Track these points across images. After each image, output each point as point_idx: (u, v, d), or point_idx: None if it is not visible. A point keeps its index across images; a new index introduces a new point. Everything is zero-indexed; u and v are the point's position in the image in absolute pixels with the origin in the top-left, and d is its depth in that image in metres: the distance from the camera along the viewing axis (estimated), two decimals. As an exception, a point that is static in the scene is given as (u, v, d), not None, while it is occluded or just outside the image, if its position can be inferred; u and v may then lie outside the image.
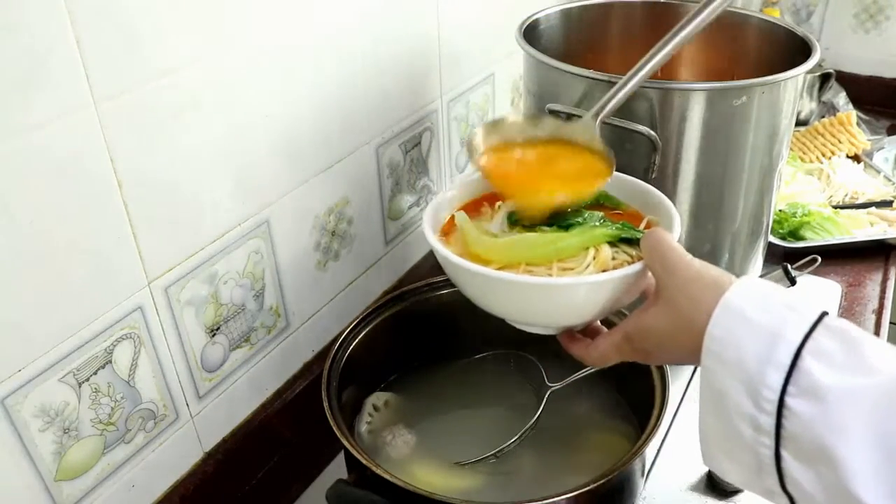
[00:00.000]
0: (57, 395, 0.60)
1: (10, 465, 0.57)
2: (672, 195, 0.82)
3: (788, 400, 0.44)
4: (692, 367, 0.93)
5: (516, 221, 0.63)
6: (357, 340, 0.77)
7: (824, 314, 0.46)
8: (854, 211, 1.22)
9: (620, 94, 0.66)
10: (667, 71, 1.06)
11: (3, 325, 0.54)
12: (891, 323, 1.05)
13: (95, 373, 0.62)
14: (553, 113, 0.78)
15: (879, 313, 1.04)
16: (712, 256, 0.88)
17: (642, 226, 0.63)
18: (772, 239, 1.11)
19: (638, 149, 0.77)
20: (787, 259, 0.82)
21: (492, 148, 0.66)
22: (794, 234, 1.16)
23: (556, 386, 0.77)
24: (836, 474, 0.41)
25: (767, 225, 0.94)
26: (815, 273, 0.82)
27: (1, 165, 0.51)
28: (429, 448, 0.77)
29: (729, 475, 0.51)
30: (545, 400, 0.76)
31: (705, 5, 0.64)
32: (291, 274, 0.82)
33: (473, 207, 0.68)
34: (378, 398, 0.81)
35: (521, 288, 0.57)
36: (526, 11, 0.94)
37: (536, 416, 0.75)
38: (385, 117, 0.90)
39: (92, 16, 0.54)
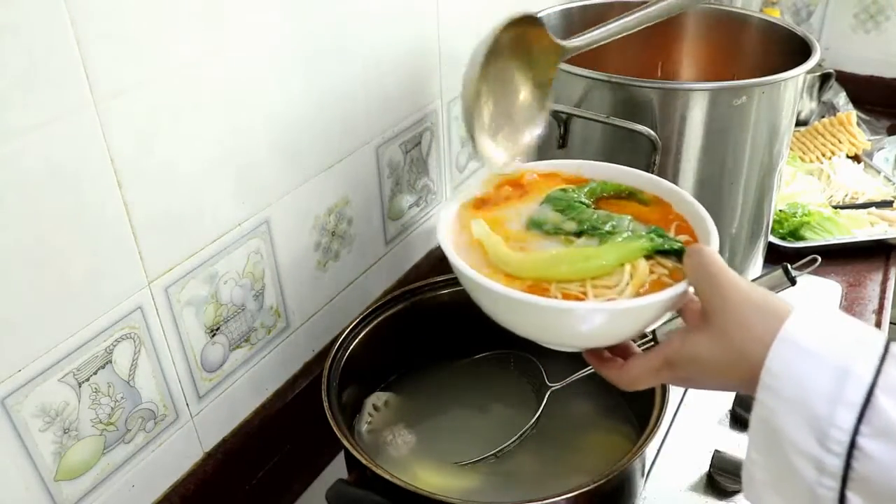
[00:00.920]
0: (57, 395, 0.60)
1: (10, 465, 0.57)
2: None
3: (861, 441, 0.41)
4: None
5: (538, 226, 0.61)
6: (357, 340, 0.77)
7: (889, 344, 0.44)
8: (854, 211, 1.22)
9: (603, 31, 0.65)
10: (667, 71, 1.06)
11: (3, 325, 0.54)
12: (891, 323, 1.05)
13: (95, 373, 0.62)
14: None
15: (879, 313, 1.04)
16: (712, 256, 0.88)
17: (672, 229, 0.60)
18: (772, 239, 1.11)
19: (638, 149, 0.78)
20: (787, 259, 0.82)
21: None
22: (795, 234, 1.16)
23: (557, 386, 0.77)
24: None
25: (767, 225, 0.94)
26: (815, 273, 0.82)
27: (1, 165, 0.51)
28: (429, 448, 0.77)
29: None
30: (545, 400, 0.76)
31: None
32: (291, 274, 0.82)
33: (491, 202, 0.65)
34: (378, 398, 0.81)
35: (556, 313, 0.53)
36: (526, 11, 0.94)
37: (536, 416, 0.75)
38: (385, 117, 0.90)
39: (92, 16, 0.54)
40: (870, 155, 1.40)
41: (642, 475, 0.75)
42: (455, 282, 0.83)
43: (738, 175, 0.83)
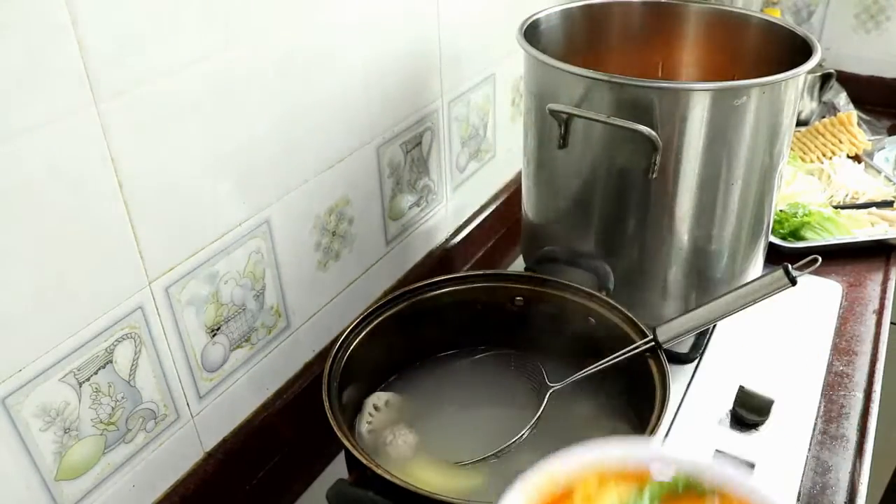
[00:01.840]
0: (57, 394, 0.60)
1: (11, 464, 0.57)
2: (672, 196, 0.83)
3: None
4: (692, 367, 0.93)
5: None
6: (357, 340, 0.77)
7: None
8: (855, 211, 1.22)
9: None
10: (667, 71, 1.06)
11: (3, 324, 0.54)
12: (891, 323, 1.05)
13: (96, 372, 0.62)
14: (555, 113, 0.77)
15: (880, 313, 1.04)
16: (713, 257, 0.88)
17: None
18: (772, 239, 1.11)
19: (638, 149, 0.78)
20: (787, 259, 0.82)
21: None
22: (795, 235, 1.16)
23: (557, 386, 0.77)
24: None
25: (768, 225, 0.94)
26: (815, 273, 0.82)
27: (1, 165, 0.51)
28: (429, 448, 0.77)
29: None
30: (546, 400, 0.76)
31: None
32: (292, 274, 0.82)
33: None
34: (378, 398, 0.81)
35: None
36: (526, 11, 0.94)
37: (537, 416, 0.75)
38: (386, 117, 0.90)
39: (92, 16, 0.54)
40: (870, 155, 1.39)
41: (642, 475, 0.74)
42: (455, 282, 0.83)
43: (739, 175, 0.83)
